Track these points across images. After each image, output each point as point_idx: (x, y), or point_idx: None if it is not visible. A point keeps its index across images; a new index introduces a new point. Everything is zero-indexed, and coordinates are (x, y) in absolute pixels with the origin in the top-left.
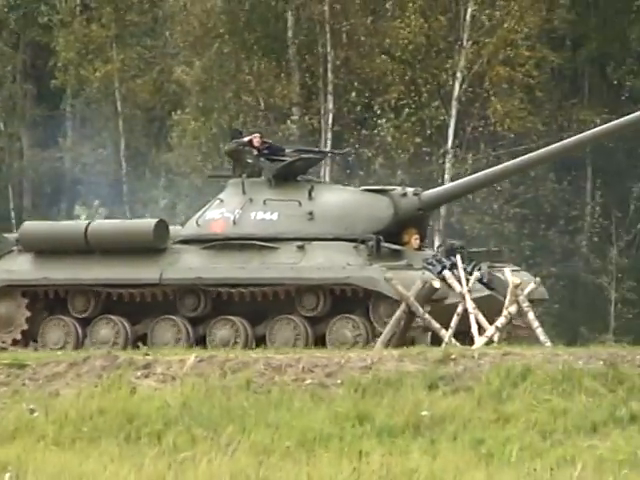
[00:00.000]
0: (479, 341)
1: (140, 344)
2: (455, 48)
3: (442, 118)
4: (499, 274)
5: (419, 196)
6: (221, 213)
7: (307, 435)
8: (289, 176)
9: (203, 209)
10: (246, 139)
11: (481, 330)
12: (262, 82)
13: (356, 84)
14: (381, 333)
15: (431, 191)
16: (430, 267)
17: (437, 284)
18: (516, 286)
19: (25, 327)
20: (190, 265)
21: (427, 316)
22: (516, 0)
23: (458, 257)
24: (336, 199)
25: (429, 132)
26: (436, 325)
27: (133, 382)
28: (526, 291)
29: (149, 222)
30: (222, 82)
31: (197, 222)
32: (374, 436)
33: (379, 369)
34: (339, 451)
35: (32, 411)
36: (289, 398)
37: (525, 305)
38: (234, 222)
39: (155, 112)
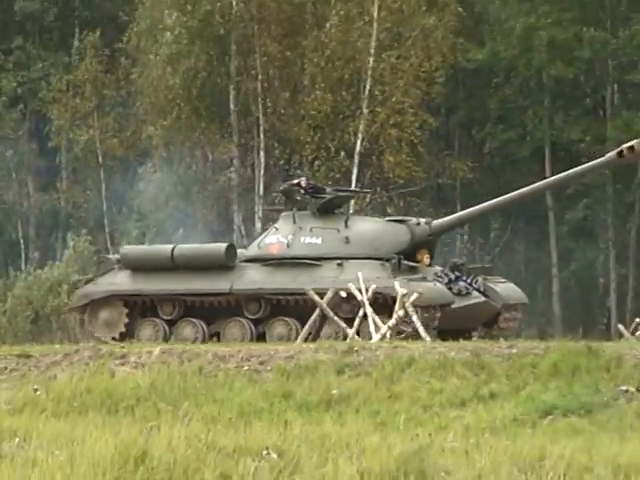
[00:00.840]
0: (375, 337)
1: (215, 340)
2: (356, 115)
3: (346, 167)
4: (492, 285)
5: (430, 225)
6: (277, 238)
7: (245, 409)
8: (329, 209)
9: (262, 235)
10: (295, 181)
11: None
12: (209, 140)
13: (277, 144)
14: (403, 331)
15: (439, 221)
16: (439, 279)
17: (343, 294)
18: (403, 295)
19: (124, 327)
20: (254, 279)
21: (336, 319)
22: (402, 78)
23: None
24: (367, 227)
25: (337, 177)
26: (343, 324)
27: (113, 368)
28: (411, 299)
29: (221, 246)
30: (180, 140)
31: (259, 246)
32: (296, 409)
33: (300, 358)
34: (269, 421)
35: (36, 390)
36: (231, 380)
37: (410, 310)
38: (287, 245)
39: (129, 163)
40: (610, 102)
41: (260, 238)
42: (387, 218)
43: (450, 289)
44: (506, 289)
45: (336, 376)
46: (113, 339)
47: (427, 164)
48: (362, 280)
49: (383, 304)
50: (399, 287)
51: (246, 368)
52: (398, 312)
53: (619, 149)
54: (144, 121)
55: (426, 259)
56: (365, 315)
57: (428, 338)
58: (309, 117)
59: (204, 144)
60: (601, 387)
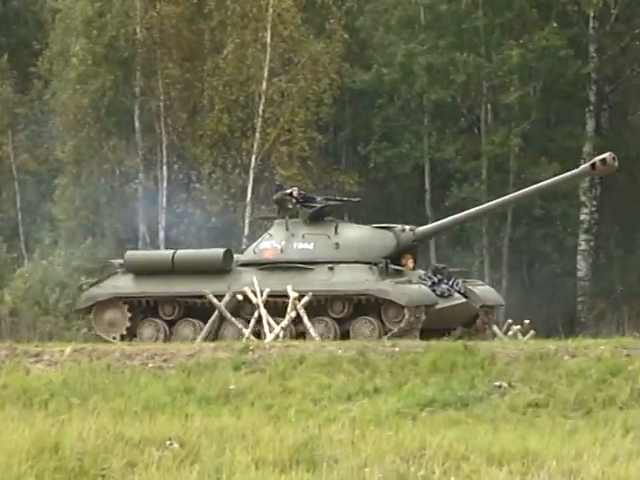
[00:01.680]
0: (269, 337)
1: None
2: (250, 134)
3: (242, 182)
4: (470, 287)
5: (414, 231)
6: (271, 244)
7: (149, 403)
8: (319, 217)
9: (257, 241)
10: (288, 191)
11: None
12: (116, 155)
13: (178, 160)
14: (390, 330)
15: (423, 227)
16: (423, 282)
17: (240, 297)
18: (295, 298)
19: (126, 328)
20: (250, 281)
21: (233, 319)
22: (292, 100)
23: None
24: (355, 233)
25: (233, 191)
26: (239, 325)
27: (28, 366)
28: (303, 301)
29: (219, 251)
30: (89, 155)
31: (254, 251)
32: (196, 403)
33: (200, 356)
34: (172, 414)
35: None
36: (137, 377)
37: (301, 311)
38: (281, 250)
39: (42, 176)
40: (484, 121)
41: (255, 244)
42: (374, 225)
43: (434, 291)
44: (484, 291)
45: (233, 372)
46: (114, 338)
47: (316, 178)
48: (257, 284)
49: (371, 305)
50: (290, 291)
51: (151, 365)
52: (290, 314)
53: (592, 161)
54: (56, 138)
55: (410, 263)
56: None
57: (318, 337)
58: (207, 136)
59: (112, 159)
60: (476, 382)
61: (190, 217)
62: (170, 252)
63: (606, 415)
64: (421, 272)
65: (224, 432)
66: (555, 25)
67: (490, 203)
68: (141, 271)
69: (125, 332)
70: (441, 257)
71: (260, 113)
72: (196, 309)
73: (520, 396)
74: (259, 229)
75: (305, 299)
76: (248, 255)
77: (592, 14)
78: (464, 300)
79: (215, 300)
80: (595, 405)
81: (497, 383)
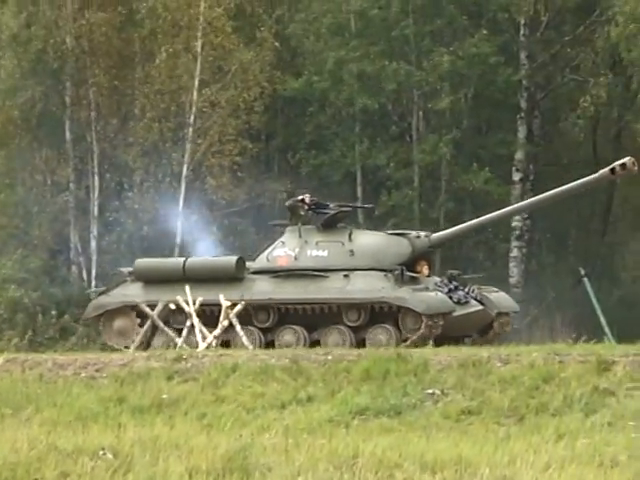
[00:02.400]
0: (202, 345)
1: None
2: (181, 143)
3: (174, 191)
4: (486, 293)
5: (429, 238)
6: (285, 251)
7: (82, 412)
8: (332, 224)
9: (270, 248)
10: (299, 197)
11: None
12: (48, 165)
13: (109, 168)
14: (408, 338)
15: (438, 234)
16: (440, 289)
17: (172, 306)
18: (227, 307)
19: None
20: (263, 289)
21: (166, 329)
22: (223, 109)
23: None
24: (370, 240)
25: (165, 200)
26: (172, 334)
27: None
28: (235, 310)
29: (232, 258)
30: (21, 165)
31: (267, 258)
32: (129, 413)
33: (133, 366)
34: (105, 424)
35: None
36: (70, 386)
37: (234, 320)
38: (295, 258)
39: None
40: (416, 128)
41: (267, 251)
42: (388, 232)
43: (450, 298)
44: (499, 298)
45: (166, 382)
46: (126, 347)
47: (248, 186)
48: (189, 293)
49: (388, 313)
50: (223, 300)
51: (83, 375)
52: (222, 322)
53: (612, 166)
54: None
55: (425, 270)
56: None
57: (250, 346)
58: (138, 144)
59: (43, 169)
60: (409, 390)
61: (122, 226)
62: (181, 260)
63: (539, 422)
64: (437, 279)
65: (157, 441)
66: (485, 32)
67: (509, 208)
68: (151, 279)
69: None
70: None
71: (191, 122)
72: (207, 317)
73: (453, 403)
74: (190, 238)
75: (238, 307)
76: (261, 262)
77: (523, 21)
78: (480, 307)
79: (148, 309)
80: (528, 412)
81: (430, 390)
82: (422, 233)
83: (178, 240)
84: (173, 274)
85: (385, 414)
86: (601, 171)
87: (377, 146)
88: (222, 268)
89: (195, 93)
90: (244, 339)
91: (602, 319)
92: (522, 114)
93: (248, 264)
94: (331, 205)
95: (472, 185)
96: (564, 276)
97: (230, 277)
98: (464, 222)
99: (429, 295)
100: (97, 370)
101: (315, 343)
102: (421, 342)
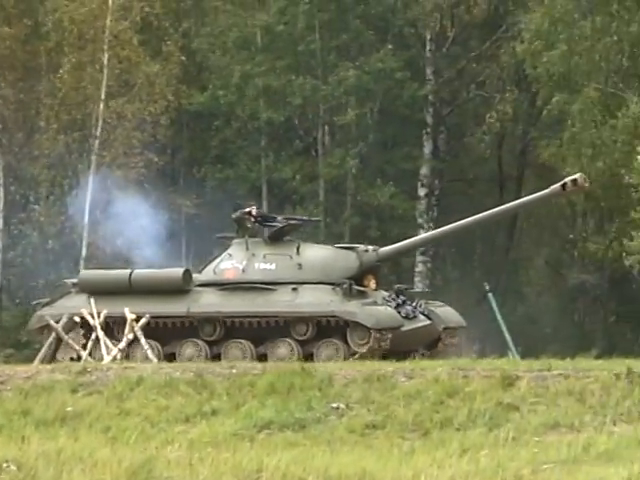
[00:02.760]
0: (107, 358)
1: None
2: (85, 156)
3: (80, 204)
4: (432, 308)
5: (377, 252)
6: (232, 264)
7: None
8: (280, 237)
9: (217, 260)
10: (246, 210)
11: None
12: None
13: (15, 181)
14: (356, 352)
15: (386, 248)
16: (389, 303)
17: (77, 319)
18: (132, 320)
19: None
20: (210, 302)
21: (71, 341)
22: (129, 122)
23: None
24: (318, 254)
25: (71, 212)
26: (77, 347)
27: None
28: (140, 323)
29: (178, 270)
30: None
31: (214, 271)
32: (33, 425)
33: (37, 378)
34: (9, 436)
35: None
36: None
37: (139, 333)
38: (243, 270)
39: None
40: (321, 143)
41: (214, 263)
42: (336, 245)
43: (399, 312)
44: (445, 312)
45: (71, 394)
46: (71, 359)
47: (154, 200)
48: (94, 305)
49: (336, 327)
50: (128, 313)
51: None
52: (127, 335)
53: (563, 182)
54: None
55: (372, 284)
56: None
57: (155, 359)
58: (44, 156)
59: None
60: (314, 404)
61: (27, 239)
62: (127, 272)
63: (443, 436)
64: (384, 293)
65: (62, 454)
66: (391, 47)
67: (458, 223)
68: (96, 291)
69: (79, 354)
70: None
71: (97, 134)
72: (152, 330)
73: (358, 417)
74: (96, 250)
75: (142, 321)
76: (207, 275)
77: (429, 36)
78: (429, 322)
79: (53, 322)
80: (432, 426)
81: (335, 404)
82: (370, 247)
83: (84, 253)
84: (119, 286)
85: (290, 428)
86: (552, 187)
87: (282, 160)
88: (168, 280)
89: (101, 105)
90: (149, 352)
91: (506, 334)
92: (428, 129)
93: (194, 276)
94: (278, 218)
95: (377, 200)
96: (469, 291)
97: (176, 289)
98: (370, 237)
99: (378, 309)
100: (1, 383)
101: (262, 357)
102: (369, 356)
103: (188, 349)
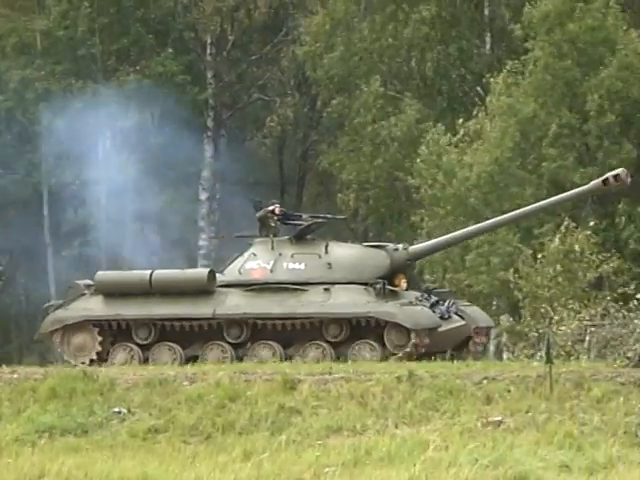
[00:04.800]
0: None
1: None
2: None
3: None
4: (462, 307)
5: (407, 250)
6: (258, 264)
7: None
8: (304, 236)
9: (240, 260)
10: (270, 208)
11: None
12: None
13: None
14: (393, 354)
15: (416, 246)
16: (422, 304)
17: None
18: None
19: (96, 353)
20: (237, 303)
21: None
22: None
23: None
24: (347, 253)
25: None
26: None
27: None
28: None
29: (203, 271)
30: None
31: (239, 271)
32: None
33: None
34: None
35: None
36: None
37: None
38: (271, 270)
39: None
40: (102, 146)
41: (236, 263)
42: (365, 244)
43: (434, 312)
44: (474, 312)
45: None
46: (83, 363)
47: None
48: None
49: (370, 328)
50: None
51: None
52: None
53: (604, 177)
54: None
55: (403, 283)
56: None
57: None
58: None
59: None
60: (96, 409)
61: None
62: (147, 272)
63: (225, 440)
64: (416, 293)
65: None
66: (172, 51)
67: (489, 222)
68: (114, 292)
69: (95, 357)
70: (60, 282)
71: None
72: (173, 332)
73: (140, 422)
74: None
75: None
76: (232, 275)
77: (209, 40)
78: (463, 322)
79: None
80: (214, 430)
81: (116, 409)
82: (400, 245)
83: None
84: (138, 287)
85: (72, 433)
86: (593, 181)
87: (62, 165)
88: (192, 281)
89: None
90: None
91: None
92: (209, 133)
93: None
94: (303, 216)
95: (160, 203)
96: None
97: (200, 290)
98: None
99: (416, 310)
100: None
101: (289, 359)
102: (406, 358)
103: (213, 352)
